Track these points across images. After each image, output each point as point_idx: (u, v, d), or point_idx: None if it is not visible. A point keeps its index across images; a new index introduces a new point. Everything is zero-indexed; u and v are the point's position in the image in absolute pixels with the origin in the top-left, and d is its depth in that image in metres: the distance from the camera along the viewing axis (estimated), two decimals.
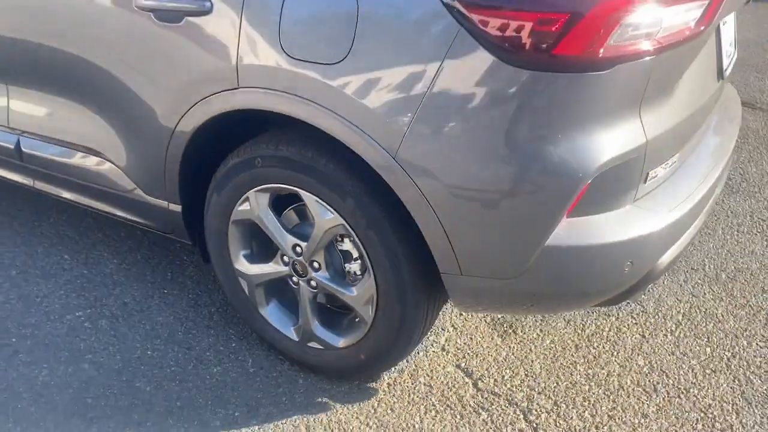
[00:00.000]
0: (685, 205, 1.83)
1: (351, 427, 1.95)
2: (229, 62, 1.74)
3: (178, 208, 2.10)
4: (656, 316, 2.43)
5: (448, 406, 2.04)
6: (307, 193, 1.81)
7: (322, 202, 1.79)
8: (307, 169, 1.77)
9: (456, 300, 1.80)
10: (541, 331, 2.35)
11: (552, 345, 2.29)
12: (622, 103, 1.55)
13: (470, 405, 2.04)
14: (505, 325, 2.37)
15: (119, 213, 2.30)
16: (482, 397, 2.07)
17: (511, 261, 1.64)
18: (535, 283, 1.67)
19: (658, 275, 1.83)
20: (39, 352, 2.17)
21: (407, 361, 2.17)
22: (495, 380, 2.13)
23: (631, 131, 1.59)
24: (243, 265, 2.06)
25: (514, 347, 2.28)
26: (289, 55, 1.66)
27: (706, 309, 2.48)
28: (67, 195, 2.42)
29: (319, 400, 2.04)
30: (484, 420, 1.99)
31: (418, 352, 2.21)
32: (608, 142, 1.55)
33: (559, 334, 2.34)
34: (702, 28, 1.60)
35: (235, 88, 1.76)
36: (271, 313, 2.11)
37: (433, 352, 2.23)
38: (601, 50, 1.43)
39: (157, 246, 2.71)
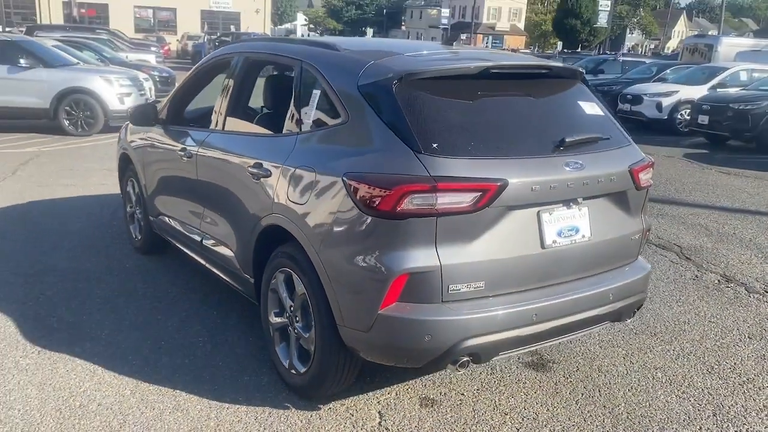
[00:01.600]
0: (493, 320, 2.91)
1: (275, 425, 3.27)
2: (271, 200, 3.43)
3: (252, 280, 3.77)
4: None
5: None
6: (294, 274, 3.33)
7: (298, 279, 3.30)
8: (293, 259, 3.31)
9: (346, 343, 3.08)
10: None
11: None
12: (418, 239, 2.81)
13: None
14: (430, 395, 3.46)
15: (232, 282, 4.06)
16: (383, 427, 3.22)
17: (365, 319, 2.92)
18: (378, 336, 2.91)
19: (464, 354, 2.90)
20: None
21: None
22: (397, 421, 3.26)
23: (429, 256, 2.82)
24: (272, 317, 3.60)
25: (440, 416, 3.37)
26: (291, 201, 3.29)
27: None
28: (212, 269, 4.27)
29: (271, 409, 3.40)
30: None
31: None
32: (408, 259, 2.82)
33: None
34: (481, 206, 2.82)
35: (270, 214, 3.44)
36: (279, 348, 3.58)
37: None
38: (398, 209, 2.77)
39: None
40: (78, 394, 3.40)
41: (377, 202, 2.79)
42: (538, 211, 3.05)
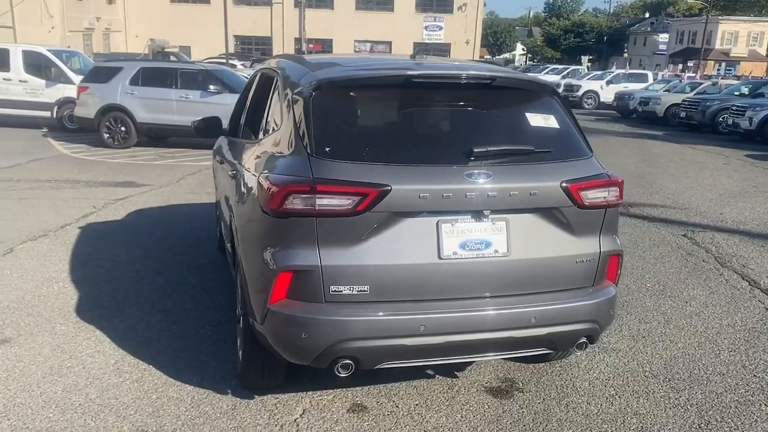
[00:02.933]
0: (374, 325, 2.90)
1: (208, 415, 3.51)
2: (233, 200, 3.74)
3: None
4: None
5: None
6: None
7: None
8: (236, 254, 3.57)
9: (256, 334, 3.24)
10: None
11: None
12: (301, 238, 2.91)
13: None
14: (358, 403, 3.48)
15: None
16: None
17: (260, 312, 3.08)
18: (269, 329, 3.05)
19: (343, 356, 2.92)
20: None
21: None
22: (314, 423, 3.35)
23: (310, 255, 2.91)
24: (238, 309, 3.88)
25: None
26: (235, 199, 3.56)
27: None
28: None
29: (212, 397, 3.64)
30: None
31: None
32: (290, 257, 2.93)
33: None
34: (361, 210, 2.85)
35: (232, 213, 3.74)
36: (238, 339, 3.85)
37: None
38: (282, 208, 2.91)
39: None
40: (75, 357, 3.98)
41: (269, 201, 2.95)
42: (438, 221, 2.98)
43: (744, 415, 3.54)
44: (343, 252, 2.92)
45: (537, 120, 3.26)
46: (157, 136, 13.85)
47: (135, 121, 13.27)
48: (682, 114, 21.34)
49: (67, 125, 15.24)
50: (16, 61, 15.67)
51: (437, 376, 3.84)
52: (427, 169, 2.96)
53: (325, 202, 2.85)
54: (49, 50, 16.22)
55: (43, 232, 6.80)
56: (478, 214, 3.00)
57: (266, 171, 3.10)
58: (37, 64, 15.78)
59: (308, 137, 3.01)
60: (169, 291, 5.16)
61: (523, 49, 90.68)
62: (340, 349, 2.93)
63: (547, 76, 33.83)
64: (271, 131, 3.58)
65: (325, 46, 46.72)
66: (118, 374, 3.78)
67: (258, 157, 3.47)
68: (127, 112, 13.29)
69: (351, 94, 3.17)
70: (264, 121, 3.83)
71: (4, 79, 15.60)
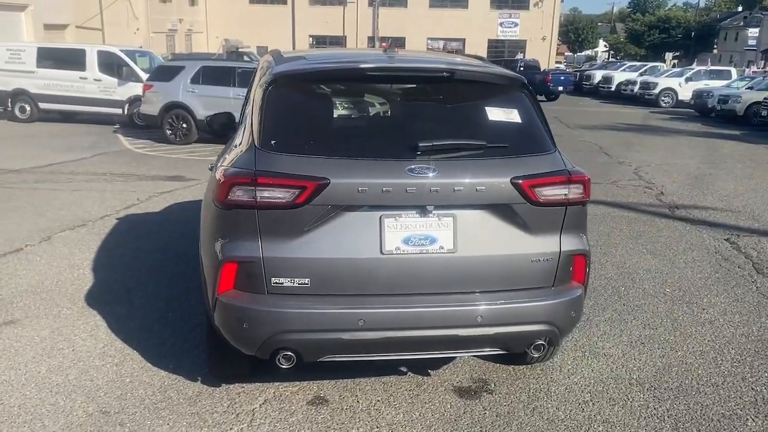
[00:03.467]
0: (313, 318, 2.91)
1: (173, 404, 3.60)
2: None
3: None
4: None
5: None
6: None
7: None
8: None
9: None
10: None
11: None
12: (244, 230, 2.95)
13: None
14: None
15: None
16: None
17: (211, 301, 3.14)
18: (218, 319, 3.10)
19: (282, 347, 2.94)
20: None
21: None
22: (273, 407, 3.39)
23: (252, 247, 2.95)
24: None
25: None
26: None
27: None
28: None
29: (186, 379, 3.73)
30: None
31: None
32: (234, 248, 2.97)
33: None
34: (300, 203, 2.86)
35: None
36: None
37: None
38: (226, 200, 2.95)
39: None
40: (68, 340, 4.18)
41: (217, 193, 3.01)
42: (381, 216, 2.95)
43: (724, 430, 3.33)
44: (284, 244, 2.94)
45: (497, 114, 3.18)
46: (216, 134, 14.27)
47: (195, 118, 13.74)
48: (763, 112, 20.11)
49: (136, 122, 15.94)
50: (92, 60, 16.54)
51: (409, 373, 3.81)
52: (369, 163, 2.93)
53: (266, 194, 2.88)
54: (121, 50, 17.04)
55: (83, 222, 7.16)
56: (422, 210, 2.96)
57: (223, 165, 3.16)
58: (110, 64, 16.60)
59: (259, 130, 3.04)
60: (179, 280, 5.33)
61: (605, 46, 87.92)
62: (280, 341, 2.95)
63: (623, 74, 32.67)
64: (240, 125, 3.65)
65: (398, 44, 46.76)
66: (102, 358, 3.94)
67: (225, 151, 3.54)
68: (188, 110, 13.79)
69: (305, 87, 3.19)
70: (241, 116, 3.90)
71: (80, 77, 16.50)
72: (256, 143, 3.00)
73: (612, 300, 5.14)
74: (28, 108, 16.92)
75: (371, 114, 3.26)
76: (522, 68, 30.51)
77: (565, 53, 78.83)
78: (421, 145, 2.93)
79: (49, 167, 10.68)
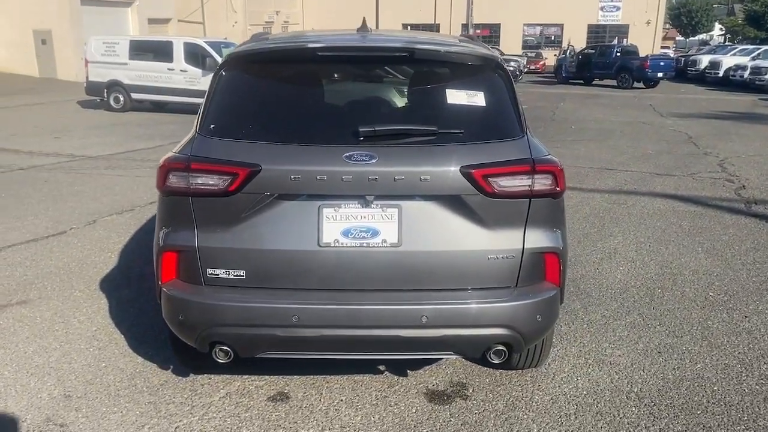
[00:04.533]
0: (246, 312, 2.76)
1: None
2: None
3: None
4: None
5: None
6: None
7: None
8: None
9: None
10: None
11: None
12: (181, 218, 2.84)
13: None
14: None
15: None
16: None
17: (157, 291, 3.06)
18: (162, 308, 3.02)
19: (215, 341, 2.82)
20: None
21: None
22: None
23: (187, 236, 2.84)
24: None
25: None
26: None
27: None
28: None
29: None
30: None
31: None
32: (171, 237, 2.88)
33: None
34: (232, 191, 2.72)
35: None
36: None
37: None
38: (163, 187, 2.86)
39: None
40: (66, 322, 4.27)
41: (157, 180, 2.92)
42: (320, 206, 2.76)
43: None
44: (219, 234, 2.81)
45: (458, 97, 2.89)
46: None
47: None
48: None
49: None
50: (178, 52, 17.19)
51: (386, 372, 3.60)
52: (304, 149, 2.74)
53: (199, 181, 2.76)
54: (205, 42, 17.58)
55: (131, 207, 7.39)
56: (363, 200, 2.74)
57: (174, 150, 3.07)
58: (195, 55, 17.18)
59: (202, 115, 2.94)
60: None
61: (721, 29, 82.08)
62: (214, 334, 2.84)
63: (733, 58, 30.32)
64: None
65: (493, 31, 45.90)
66: (89, 341, 3.99)
67: None
68: None
69: (254, 69, 3.04)
70: None
71: (168, 69, 17.20)
72: (197, 128, 2.89)
73: (641, 303, 4.68)
74: (121, 98, 17.82)
75: (317, 97, 3.06)
76: (618, 53, 29.04)
77: (676, 38, 74.40)
78: (361, 130, 2.71)
79: (123, 154, 11.15)
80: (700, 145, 12.49)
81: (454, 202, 2.76)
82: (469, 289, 2.83)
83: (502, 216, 2.79)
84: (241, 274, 2.82)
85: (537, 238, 2.85)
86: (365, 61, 3.04)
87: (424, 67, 3.02)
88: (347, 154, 2.69)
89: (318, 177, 2.69)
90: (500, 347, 2.87)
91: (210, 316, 2.82)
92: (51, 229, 6.50)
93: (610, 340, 4.08)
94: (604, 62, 29.25)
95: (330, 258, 2.77)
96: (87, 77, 18.23)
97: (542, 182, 2.78)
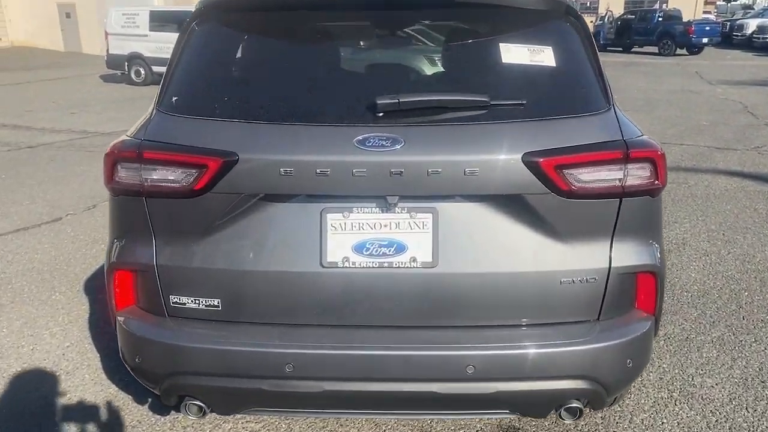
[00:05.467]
0: (222, 357, 2.01)
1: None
2: None
3: None
4: None
5: None
6: None
7: None
8: None
9: None
10: None
11: None
12: (135, 226, 2.09)
13: None
14: None
15: None
16: None
17: (112, 319, 2.30)
18: (119, 341, 2.28)
19: (181, 393, 2.08)
20: None
21: None
22: None
23: (144, 251, 2.08)
24: None
25: None
26: None
27: None
28: None
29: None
30: None
31: None
32: (126, 251, 2.13)
33: None
34: (198, 189, 1.94)
35: None
36: None
37: None
38: (110, 182, 2.09)
39: None
40: (36, 336, 3.60)
41: (103, 173, 2.16)
42: (323, 210, 1.97)
43: None
44: (184, 249, 2.05)
45: (518, 55, 2.06)
46: None
47: None
48: None
49: None
50: None
51: None
52: (299, 130, 1.94)
53: (155, 175, 2.00)
54: None
55: None
56: (384, 202, 1.95)
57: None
58: None
59: (164, 84, 2.16)
60: None
61: None
62: (178, 386, 2.09)
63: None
64: None
65: None
66: (56, 362, 3.33)
67: None
68: None
69: (235, 20, 2.24)
70: None
71: None
72: (156, 102, 2.12)
73: (727, 311, 3.84)
74: (142, 71, 17.19)
75: (324, 60, 2.24)
76: (660, 18, 27.50)
77: (717, 2, 71.27)
78: (380, 102, 1.90)
79: None
80: (759, 115, 11.40)
81: (513, 204, 1.95)
82: (532, 326, 2.02)
83: (582, 223, 1.98)
84: (216, 303, 2.06)
85: (628, 253, 2.03)
86: (386, 6, 2.19)
87: (468, 14, 2.19)
88: (360, 137, 1.89)
89: (319, 170, 1.89)
90: (575, 404, 2.07)
91: (174, 360, 2.07)
92: (46, 215, 5.86)
93: (696, 363, 3.26)
94: (644, 28, 27.78)
95: (336, 283, 1.99)
96: (107, 50, 17.61)
97: (638, 174, 1.96)
